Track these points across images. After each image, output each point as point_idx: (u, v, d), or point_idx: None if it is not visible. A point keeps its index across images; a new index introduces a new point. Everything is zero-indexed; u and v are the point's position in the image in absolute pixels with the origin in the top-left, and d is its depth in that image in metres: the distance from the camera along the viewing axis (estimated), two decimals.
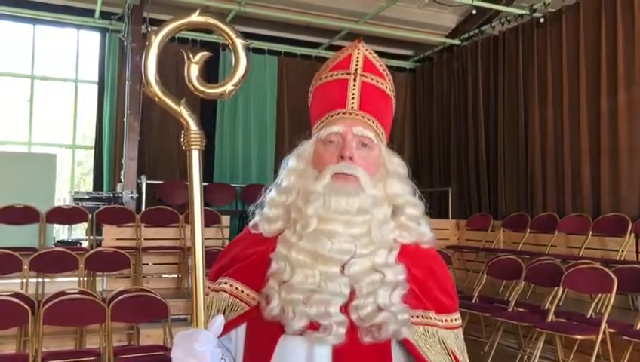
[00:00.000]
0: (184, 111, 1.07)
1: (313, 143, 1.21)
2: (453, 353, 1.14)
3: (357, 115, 1.19)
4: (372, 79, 1.23)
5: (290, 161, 1.22)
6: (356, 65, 1.24)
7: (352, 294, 1.06)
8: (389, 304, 1.06)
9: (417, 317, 1.11)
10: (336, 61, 1.26)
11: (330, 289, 1.05)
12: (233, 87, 1.08)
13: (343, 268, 1.07)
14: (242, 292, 1.14)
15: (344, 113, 1.19)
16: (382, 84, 1.25)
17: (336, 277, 1.06)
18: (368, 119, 1.20)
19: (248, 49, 1.09)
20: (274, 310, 1.06)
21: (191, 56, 1.08)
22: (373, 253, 1.09)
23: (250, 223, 1.24)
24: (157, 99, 1.06)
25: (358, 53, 1.25)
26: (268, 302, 1.07)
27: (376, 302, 1.06)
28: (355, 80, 1.22)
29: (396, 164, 1.22)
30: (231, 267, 1.20)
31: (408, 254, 1.15)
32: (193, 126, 1.07)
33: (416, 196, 1.22)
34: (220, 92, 1.09)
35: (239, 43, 1.08)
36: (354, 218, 1.09)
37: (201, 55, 1.08)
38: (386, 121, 1.26)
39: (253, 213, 1.24)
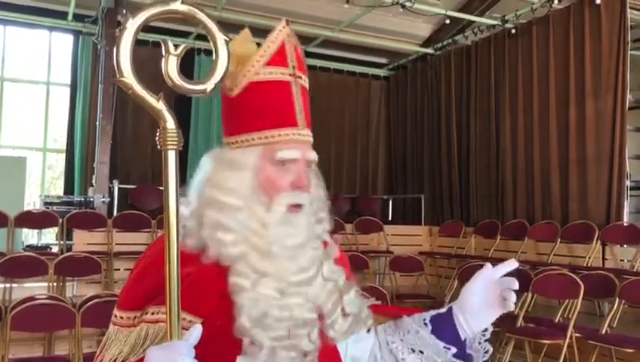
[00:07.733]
0: (163, 108, 0.96)
1: (259, 158, 1.11)
2: None
3: (306, 135, 1.15)
4: (304, 81, 1.17)
5: (229, 172, 1.12)
6: (292, 62, 1.15)
7: (321, 317, 1.10)
8: (350, 303, 1.13)
9: None
10: (271, 52, 1.13)
11: (298, 334, 1.05)
12: (215, 84, 1.00)
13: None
14: (184, 319, 1.00)
15: (298, 134, 1.13)
16: (307, 82, 1.19)
17: (306, 324, 1.06)
18: (311, 137, 1.17)
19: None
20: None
21: (170, 47, 0.97)
22: (320, 268, 1.12)
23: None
24: (130, 91, 0.94)
25: (290, 43, 1.15)
26: (252, 343, 1.03)
27: (342, 310, 1.12)
28: (296, 84, 1.15)
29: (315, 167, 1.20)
30: (161, 292, 0.99)
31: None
32: (171, 124, 0.96)
33: (323, 194, 1.21)
34: (201, 89, 1.00)
35: (221, 38, 1.01)
36: (305, 246, 1.10)
37: (183, 47, 0.98)
38: None
39: (184, 226, 1.09)
